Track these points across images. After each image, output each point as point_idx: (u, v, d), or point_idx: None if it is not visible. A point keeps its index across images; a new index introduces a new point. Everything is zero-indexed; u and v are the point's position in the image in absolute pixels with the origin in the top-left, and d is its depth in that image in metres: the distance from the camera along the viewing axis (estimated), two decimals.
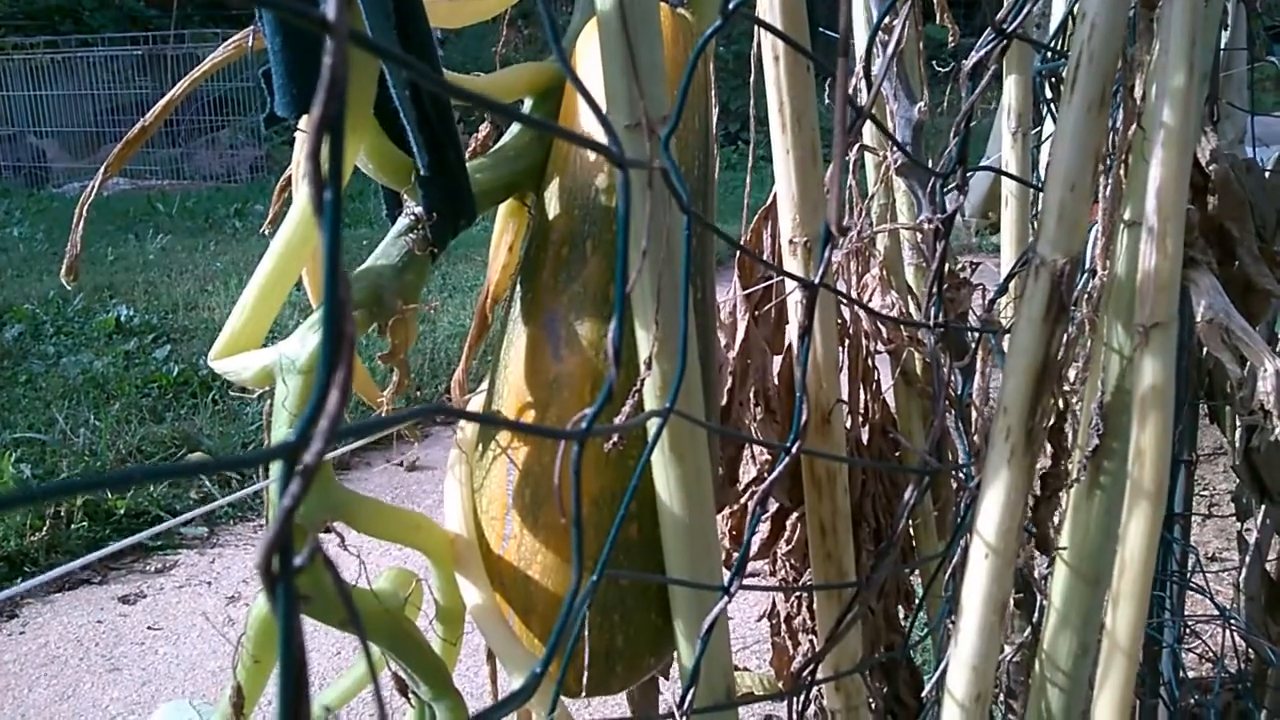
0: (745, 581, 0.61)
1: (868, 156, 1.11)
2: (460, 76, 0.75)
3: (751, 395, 0.97)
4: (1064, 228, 0.59)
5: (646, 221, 0.49)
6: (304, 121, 0.67)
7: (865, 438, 1.06)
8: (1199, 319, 0.73)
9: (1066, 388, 0.75)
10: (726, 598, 0.58)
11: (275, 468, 0.65)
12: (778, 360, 0.99)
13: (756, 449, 1.00)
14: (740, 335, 0.97)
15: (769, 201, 0.97)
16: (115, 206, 7.77)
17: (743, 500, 1.04)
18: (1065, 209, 0.59)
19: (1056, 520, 0.75)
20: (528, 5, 0.88)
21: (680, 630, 0.67)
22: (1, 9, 11.26)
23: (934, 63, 1.10)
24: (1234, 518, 1.49)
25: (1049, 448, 0.72)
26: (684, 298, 0.50)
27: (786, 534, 1.01)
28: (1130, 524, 0.62)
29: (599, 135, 0.39)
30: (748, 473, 1.01)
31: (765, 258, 0.98)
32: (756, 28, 0.88)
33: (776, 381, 0.97)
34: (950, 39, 1.10)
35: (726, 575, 0.62)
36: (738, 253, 0.96)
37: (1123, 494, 0.67)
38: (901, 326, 1.00)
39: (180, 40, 9.17)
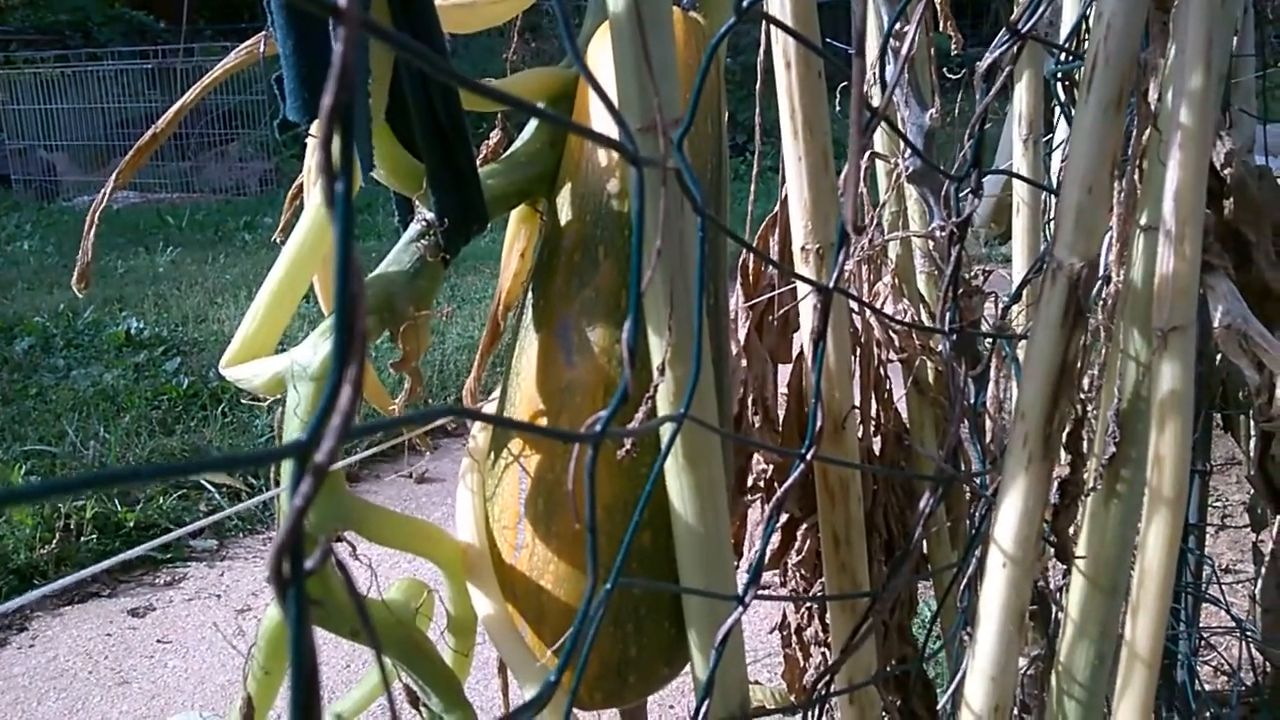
0: (759, 592, 0.60)
1: (879, 164, 1.10)
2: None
3: (750, 404, 0.97)
4: (1081, 231, 0.58)
5: (660, 223, 0.49)
6: (315, 127, 0.67)
7: (878, 447, 1.05)
8: (1216, 324, 0.72)
9: (1081, 395, 0.75)
10: (741, 608, 0.58)
11: (286, 469, 0.64)
12: (781, 370, 0.99)
13: (756, 457, 1.00)
14: (741, 344, 0.97)
15: (774, 211, 0.97)
16: (125, 219, 7.80)
17: (743, 510, 1.04)
18: (1082, 211, 0.58)
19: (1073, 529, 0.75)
20: (535, 19, 0.88)
21: (694, 641, 0.67)
22: (12, 24, 11.33)
23: (944, 70, 1.10)
24: (1248, 529, 1.48)
25: (1067, 455, 0.71)
26: (698, 302, 0.50)
27: (796, 544, 1.00)
28: (1149, 532, 0.61)
29: (613, 136, 0.39)
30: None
31: (772, 269, 0.98)
32: (765, 37, 0.88)
33: (783, 390, 0.97)
34: (954, 47, 1.09)
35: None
36: (740, 262, 0.96)
37: (1140, 502, 0.66)
38: (914, 334, 0.99)
39: (189, 54, 9.21)
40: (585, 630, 0.44)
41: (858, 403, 0.92)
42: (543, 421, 0.72)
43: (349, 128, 0.23)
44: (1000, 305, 0.90)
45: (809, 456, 0.58)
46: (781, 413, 0.99)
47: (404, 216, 0.71)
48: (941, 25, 1.10)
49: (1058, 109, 1.18)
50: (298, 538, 0.24)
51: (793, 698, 1.07)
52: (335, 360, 0.24)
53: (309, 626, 0.25)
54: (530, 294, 0.76)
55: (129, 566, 2.74)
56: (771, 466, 0.99)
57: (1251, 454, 1.29)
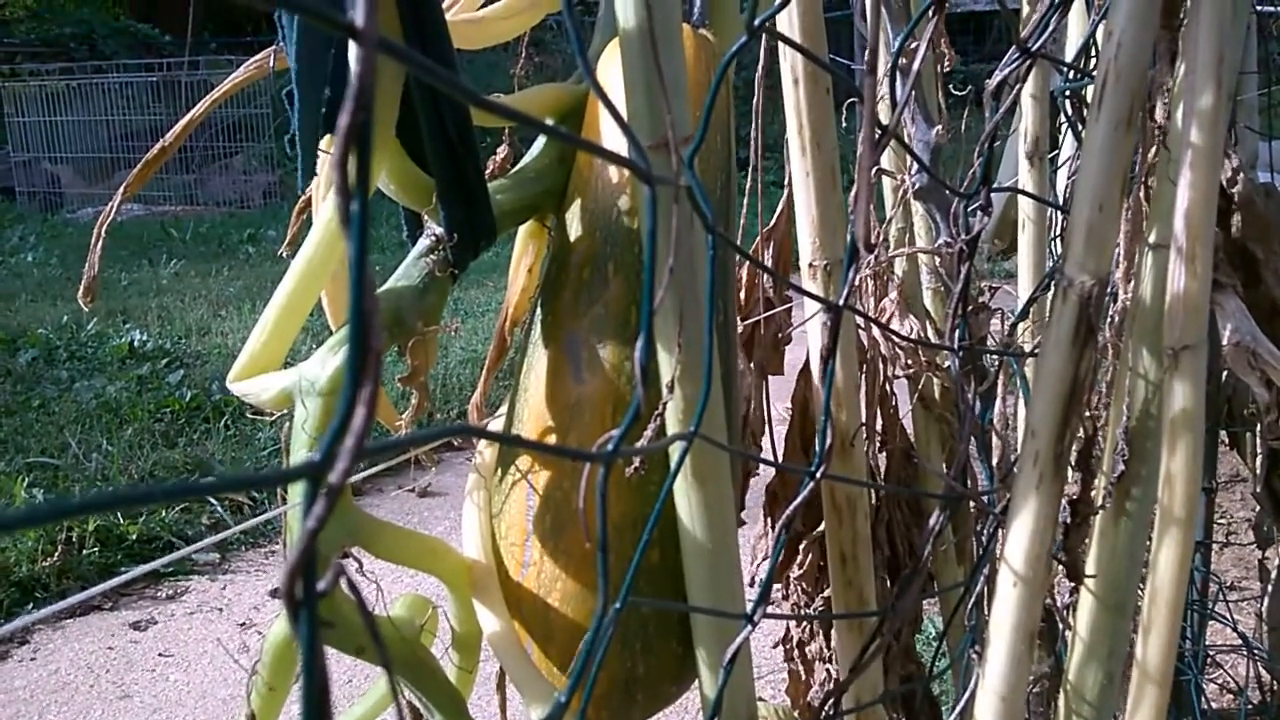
0: (768, 611, 0.60)
1: (885, 180, 1.10)
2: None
3: None
4: (1092, 248, 0.58)
5: (672, 240, 0.49)
6: (324, 142, 0.67)
7: (883, 464, 1.05)
8: (1225, 342, 0.72)
9: (1088, 413, 0.74)
10: (750, 627, 0.57)
11: (297, 489, 0.64)
12: (775, 383, 0.99)
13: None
14: None
15: (770, 224, 0.97)
16: (129, 232, 7.81)
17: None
18: (1093, 229, 0.58)
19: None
20: (539, 34, 0.88)
21: (702, 659, 0.66)
22: (17, 36, 11.37)
23: (950, 87, 1.10)
24: (1253, 546, 1.48)
25: (1077, 473, 0.71)
26: (708, 319, 0.50)
27: (799, 558, 1.00)
28: (1160, 551, 0.61)
29: (624, 154, 0.39)
30: None
31: (770, 281, 0.98)
32: (766, 52, 0.88)
33: (787, 406, 0.97)
34: (946, 64, 1.09)
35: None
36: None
37: (1149, 520, 0.66)
38: (920, 351, 0.99)
39: (195, 67, 9.25)
40: (595, 649, 0.44)
41: (863, 419, 0.92)
42: (551, 438, 0.71)
43: (366, 145, 0.23)
44: (1006, 322, 0.90)
45: (819, 474, 0.57)
46: (783, 429, 0.98)
47: (412, 231, 0.71)
48: (936, 45, 1.09)
49: (1064, 126, 1.18)
50: (311, 560, 0.24)
51: (796, 714, 1.07)
52: (349, 379, 0.24)
53: (322, 648, 0.24)
54: (538, 310, 0.76)
55: (131, 579, 2.74)
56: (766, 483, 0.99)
57: (1258, 471, 1.29)
